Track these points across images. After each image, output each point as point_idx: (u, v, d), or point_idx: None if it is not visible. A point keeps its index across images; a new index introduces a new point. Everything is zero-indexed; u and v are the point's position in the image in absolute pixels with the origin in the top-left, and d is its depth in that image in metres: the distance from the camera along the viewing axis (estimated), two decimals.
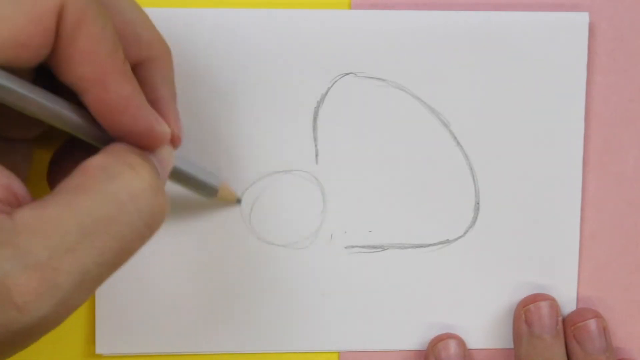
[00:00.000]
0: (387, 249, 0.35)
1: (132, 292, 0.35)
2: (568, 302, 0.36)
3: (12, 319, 0.21)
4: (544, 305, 0.35)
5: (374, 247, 0.35)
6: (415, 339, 0.36)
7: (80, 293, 0.23)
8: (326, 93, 0.34)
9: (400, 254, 0.35)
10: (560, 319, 0.35)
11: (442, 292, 0.36)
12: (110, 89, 0.24)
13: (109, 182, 0.23)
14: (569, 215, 0.35)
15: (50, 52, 0.24)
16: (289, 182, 0.35)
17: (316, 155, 0.35)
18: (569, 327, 0.35)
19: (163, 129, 0.26)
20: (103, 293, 0.35)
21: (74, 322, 0.35)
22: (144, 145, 0.26)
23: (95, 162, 0.24)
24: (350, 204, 0.35)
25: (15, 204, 0.23)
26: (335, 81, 0.34)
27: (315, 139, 0.35)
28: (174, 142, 0.28)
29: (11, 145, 0.29)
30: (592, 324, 0.34)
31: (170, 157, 0.27)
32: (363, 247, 0.35)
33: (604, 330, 0.35)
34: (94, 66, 0.24)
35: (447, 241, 0.35)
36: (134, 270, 0.35)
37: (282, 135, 0.35)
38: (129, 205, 0.23)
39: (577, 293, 0.36)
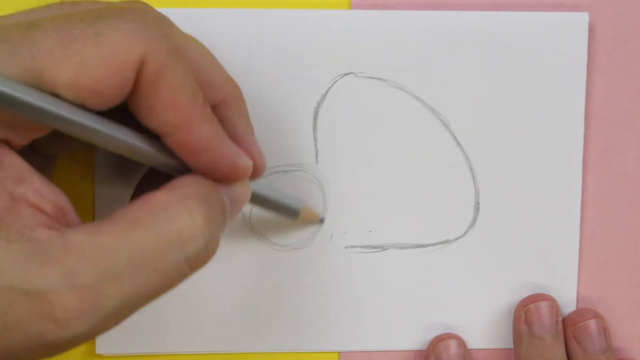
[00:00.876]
0: (387, 249, 0.35)
1: None
2: (568, 302, 0.36)
3: (50, 332, 0.23)
4: (544, 305, 0.35)
5: (374, 247, 0.35)
6: (415, 339, 0.36)
7: (117, 317, 0.24)
8: (326, 93, 0.35)
9: (400, 254, 0.35)
10: (560, 319, 0.35)
11: (442, 292, 0.36)
12: (192, 132, 0.25)
13: (165, 222, 0.24)
14: (569, 215, 0.35)
15: (128, 99, 0.25)
16: (289, 182, 0.35)
17: (316, 155, 0.35)
18: (569, 327, 0.35)
19: (245, 162, 0.27)
20: None
21: None
22: (226, 179, 0.27)
23: (157, 198, 0.25)
24: (350, 204, 0.35)
25: (63, 221, 0.24)
26: (335, 81, 0.34)
27: (315, 139, 0.35)
28: (258, 171, 0.29)
29: (49, 160, 0.30)
30: (592, 324, 0.34)
31: (245, 193, 0.29)
32: (363, 247, 0.35)
33: (604, 330, 0.35)
34: (175, 114, 0.25)
35: (447, 241, 0.35)
36: None
37: (282, 135, 0.35)
38: (178, 247, 0.24)
39: (577, 293, 0.36)
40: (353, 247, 0.35)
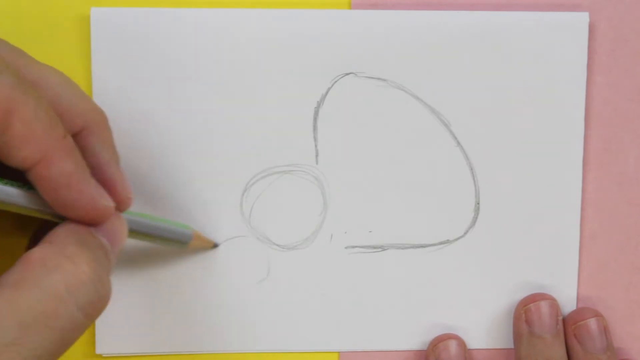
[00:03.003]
0: (387, 249, 0.35)
1: (132, 292, 0.35)
2: (568, 302, 0.36)
3: None
4: (544, 305, 0.35)
5: (374, 247, 0.35)
6: (415, 339, 0.36)
7: None
8: (326, 93, 0.34)
9: (400, 254, 0.35)
10: (560, 318, 0.35)
11: (442, 292, 0.36)
12: (52, 166, 0.25)
13: (48, 276, 0.24)
14: (569, 215, 0.35)
15: None
16: (289, 182, 0.35)
17: (316, 155, 0.35)
18: (570, 327, 0.35)
19: (106, 202, 0.27)
20: None
21: None
22: (91, 220, 0.26)
23: (35, 255, 0.25)
24: (350, 204, 0.35)
25: None
26: (335, 81, 0.34)
27: (315, 139, 0.35)
28: (124, 204, 0.29)
29: None
30: (592, 323, 0.34)
31: (120, 230, 0.28)
32: (363, 247, 0.35)
33: (605, 330, 0.35)
34: (33, 148, 0.24)
35: (447, 241, 0.35)
36: (134, 271, 0.35)
37: (282, 135, 0.35)
38: (67, 298, 0.24)
39: (577, 293, 0.36)
40: (353, 247, 0.35)
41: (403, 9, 0.34)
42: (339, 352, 0.36)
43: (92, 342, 0.35)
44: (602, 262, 0.36)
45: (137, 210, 0.33)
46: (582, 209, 0.36)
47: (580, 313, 0.35)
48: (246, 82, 0.34)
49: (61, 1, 0.34)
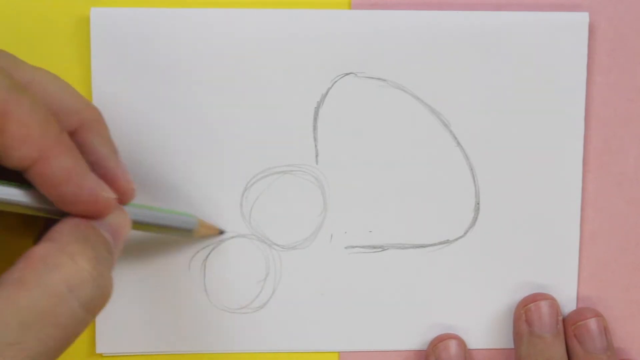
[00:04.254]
0: (387, 249, 0.35)
1: (132, 292, 0.35)
2: (568, 302, 0.36)
3: None
4: (544, 305, 0.35)
5: (374, 247, 0.35)
6: (415, 339, 0.36)
7: None
8: (326, 93, 0.34)
9: (400, 254, 0.35)
10: (560, 318, 0.35)
11: (442, 292, 0.36)
12: (50, 163, 0.25)
13: (49, 274, 0.24)
14: (569, 215, 0.35)
15: None
16: (289, 182, 0.35)
17: (316, 155, 0.35)
18: (570, 326, 0.35)
19: (107, 194, 0.27)
20: None
21: None
22: (93, 214, 0.27)
23: (36, 253, 0.25)
24: (350, 204, 0.35)
25: None
26: (335, 81, 0.34)
27: (315, 139, 0.35)
28: (128, 195, 0.29)
29: None
30: (592, 323, 0.34)
31: (123, 223, 0.28)
32: (363, 247, 0.35)
33: (605, 329, 0.35)
34: (30, 147, 0.25)
35: (447, 241, 0.35)
36: (134, 271, 0.35)
37: (282, 135, 0.35)
38: (68, 296, 0.24)
39: (577, 293, 0.36)
40: (353, 247, 0.35)
41: (403, 9, 0.34)
42: (339, 352, 0.36)
43: (93, 342, 0.35)
44: (602, 262, 0.36)
45: None
46: (582, 209, 0.36)
47: (580, 313, 0.35)
48: (246, 82, 0.34)
49: (61, 1, 0.34)
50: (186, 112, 0.34)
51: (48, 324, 0.24)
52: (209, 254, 0.35)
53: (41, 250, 0.25)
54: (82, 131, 0.28)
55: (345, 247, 0.35)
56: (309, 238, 0.35)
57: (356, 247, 0.35)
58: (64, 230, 0.26)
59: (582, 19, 0.34)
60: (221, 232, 0.35)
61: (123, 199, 0.28)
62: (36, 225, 0.31)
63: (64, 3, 0.34)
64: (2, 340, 0.23)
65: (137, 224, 0.30)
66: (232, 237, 0.35)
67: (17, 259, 0.25)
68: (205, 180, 0.35)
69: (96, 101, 0.34)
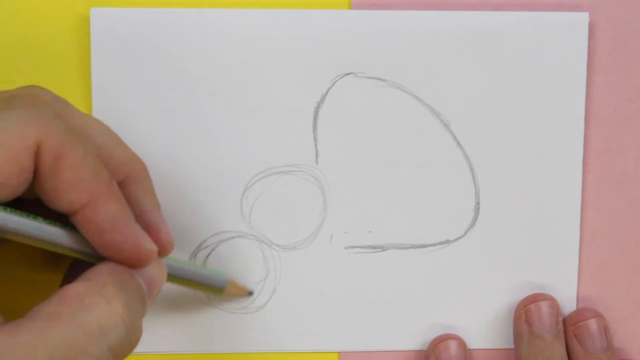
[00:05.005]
0: (387, 249, 0.35)
1: None
2: (568, 302, 0.36)
3: None
4: (544, 305, 0.35)
5: (374, 247, 0.35)
6: (415, 339, 0.36)
7: None
8: (326, 93, 0.35)
9: (400, 254, 0.35)
10: (560, 318, 0.35)
11: (442, 292, 0.36)
12: (98, 209, 0.25)
13: (83, 313, 0.24)
14: (569, 215, 0.35)
15: (33, 183, 0.25)
16: (289, 183, 0.35)
17: (316, 155, 0.35)
18: (570, 327, 0.35)
19: (150, 246, 0.27)
20: None
21: None
22: (132, 262, 0.27)
23: (73, 290, 0.25)
24: (350, 204, 0.35)
25: None
26: (335, 81, 0.34)
27: (315, 139, 0.35)
28: (166, 249, 0.29)
29: None
30: (592, 323, 0.34)
31: (160, 274, 0.28)
32: (363, 247, 0.35)
33: (605, 330, 0.35)
34: (80, 192, 0.25)
35: (447, 241, 0.35)
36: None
37: (282, 136, 0.35)
38: (99, 338, 0.24)
39: (577, 293, 0.36)
40: (353, 247, 0.35)
41: (403, 9, 0.34)
42: (339, 352, 0.36)
43: None
44: (602, 262, 0.36)
45: None
46: (582, 209, 0.36)
47: (581, 313, 0.35)
48: (246, 82, 0.34)
49: (61, 1, 0.34)
50: (186, 111, 0.34)
51: None
52: (209, 254, 0.35)
53: (77, 288, 0.25)
54: (127, 183, 0.29)
55: (345, 247, 0.35)
56: (309, 238, 0.35)
57: (356, 247, 0.35)
58: (101, 272, 0.26)
59: (582, 19, 0.34)
60: (250, 294, 0.35)
61: (161, 252, 0.29)
62: (62, 264, 0.31)
63: (64, 3, 0.34)
64: None
65: (171, 277, 0.31)
66: (232, 237, 0.35)
67: (40, 293, 0.25)
68: (205, 180, 0.35)
69: (96, 101, 0.34)
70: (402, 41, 0.34)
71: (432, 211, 0.35)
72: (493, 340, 0.36)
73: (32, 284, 0.33)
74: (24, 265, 0.33)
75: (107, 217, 0.26)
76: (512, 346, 0.36)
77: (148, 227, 0.28)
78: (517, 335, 0.35)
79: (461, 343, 0.35)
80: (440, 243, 0.35)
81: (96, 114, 0.34)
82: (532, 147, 0.35)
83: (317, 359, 0.36)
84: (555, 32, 0.34)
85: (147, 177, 0.30)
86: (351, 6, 0.34)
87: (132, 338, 0.26)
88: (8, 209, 0.25)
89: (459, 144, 0.35)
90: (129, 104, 0.34)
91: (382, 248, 0.35)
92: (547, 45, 0.34)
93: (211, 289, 0.33)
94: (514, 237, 0.35)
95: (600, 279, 0.36)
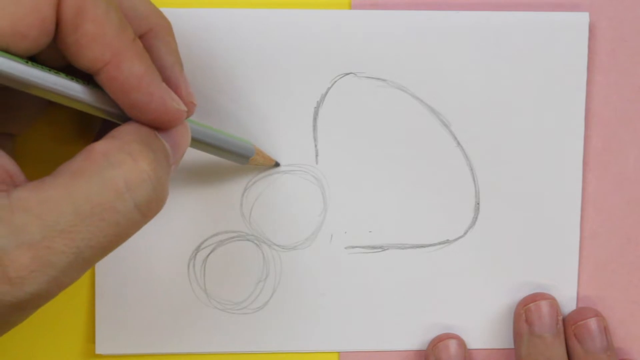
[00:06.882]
0: (387, 249, 0.35)
1: (132, 292, 0.35)
2: (568, 302, 0.36)
3: (5, 293, 0.22)
4: (544, 304, 0.35)
5: (374, 247, 0.35)
6: (415, 339, 0.36)
7: (72, 272, 0.23)
8: (326, 93, 0.34)
9: (400, 254, 0.35)
10: (560, 318, 0.35)
11: (442, 292, 0.36)
12: (123, 67, 0.25)
13: (109, 170, 0.24)
14: (569, 215, 0.35)
15: (54, 39, 0.24)
16: (289, 182, 0.35)
17: (316, 155, 0.35)
18: (570, 326, 0.35)
19: (178, 105, 0.27)
20: (103, 293, 0.35)
21: (74, 322, 0.35)
22: (159, 123, 0.26)
23: (98, 147, 0.24)
24: (350, 204, 0.35)
25: (10, 182, 0.24)
26: (335, 81, 0.34)
27: (315, 139, 0.35)
28: (189, 108, 0.28)
29: (7, 139, 0.29)
30: (592, 322, 0.34)
31: (184, 137, 0.28)
32: (363, 247, 0.35)
33: (605, 329, 0.35)
34: (103, 48, 0.24)
35: (447, 241, 0.35)
36: (133, 270, 0.35)
37: (282, 135, 0.35)
38: (125, 194, 0.24)
39: (577, 293, 0.36)
40: (353, 247, 0.35)
41: (403, 9, 0.34)
42: (339, 352, 0.36)
43: (92, 342, 0.35)
44: (602, 262, 0.36)
45: None
46: (582, 209, 0.36)
47: (580, 313, 0.35)
48: (246, 81, 0.34)
49: None
50: None
51: (102, 218, 0.23)
52: (209, 254, 0.35)
53: (103, 145, 0.24)
54: (150, 36, 0.28)
55: (346, 247, 0.35)
56: (309, 238, 0.35)
57: (356, 247, 0.35)
58: (127, 130, 0.25)
59: (582, 19, 0.34)
60: (277, 165, 0.34)
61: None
62: (90, 134, 0.31)
63: None
64: (54, 227, 0.22)
65: (196, 142, 0.30)
66: (232, 237, 0.35)
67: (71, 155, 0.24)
68: (205, 180, 0.34)
69: None
70: (402, 41, 0.34)
71: (432, 211, 0.35)
72: (493, 340, 0.36)
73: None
74: (54, 140, 0.33)
75: (131, 75, 0.25)
76: (512, 346, 0.36)
77: (169, 85, 0.27)
78: (517, 335, 0.35)
79: (461, 343, 0.35)
80: (440, 243, 0.35)
81: None
82: (532, 147, 0.35)
83: (317, 359, 0.36)
84: (556, 32, 0.34)
85: (171, 34, 0.29)
86: (351, 6, 0.34)
87: (159, 196, 0.25)
88: (30, 63, 0.24)
89: (459, 144, 0.35)
90: None
91: (382, 248, 0.35)
92: (547, 45, 0.34)
93: (236, 156, 0.32)
94: (513, 237, 0.35)
95: (600, 279, 0.36)
